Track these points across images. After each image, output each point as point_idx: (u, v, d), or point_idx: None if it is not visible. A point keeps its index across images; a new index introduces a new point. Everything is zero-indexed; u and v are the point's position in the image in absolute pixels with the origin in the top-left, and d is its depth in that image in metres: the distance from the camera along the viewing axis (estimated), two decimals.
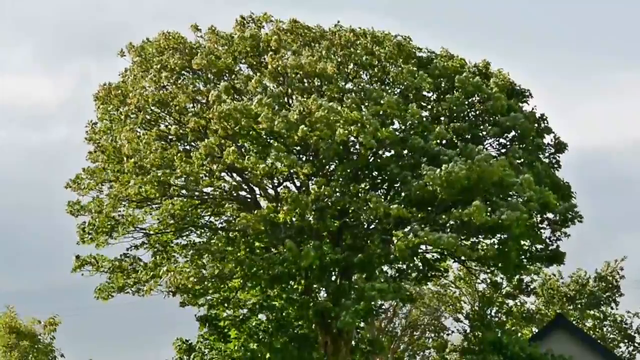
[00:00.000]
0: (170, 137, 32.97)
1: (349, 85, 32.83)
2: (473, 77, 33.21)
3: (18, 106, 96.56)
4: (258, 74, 32.38)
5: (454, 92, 33.24)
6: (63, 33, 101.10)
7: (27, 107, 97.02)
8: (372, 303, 31.32)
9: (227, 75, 33.48)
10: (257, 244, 33.45)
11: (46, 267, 72.87)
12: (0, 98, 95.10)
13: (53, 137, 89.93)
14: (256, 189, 33.31)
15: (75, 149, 34.49)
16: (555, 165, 36.03)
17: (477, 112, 34.05)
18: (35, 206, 74.21)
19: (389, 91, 32.41)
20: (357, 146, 31.80)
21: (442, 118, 33.14)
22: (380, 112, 30.97)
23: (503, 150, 34.22)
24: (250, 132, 31.65)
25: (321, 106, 29.67)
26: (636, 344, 49.11)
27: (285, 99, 32.23)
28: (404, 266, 33.70)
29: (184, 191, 32.48)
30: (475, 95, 33.48)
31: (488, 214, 29.58)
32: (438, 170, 29.43)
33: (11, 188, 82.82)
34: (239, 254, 32.48)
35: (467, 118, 33.61)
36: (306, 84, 32.22)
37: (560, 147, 36.02)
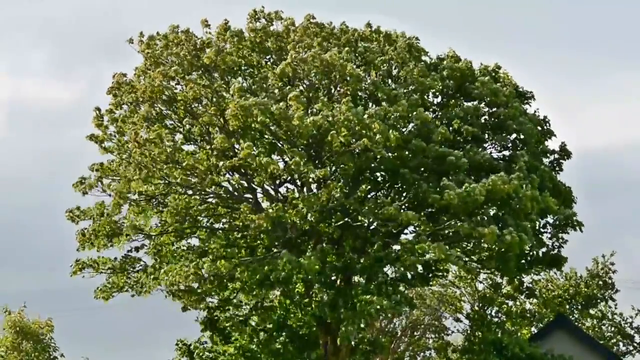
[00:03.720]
0: (177, 134, 32.82)
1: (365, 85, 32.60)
2: (491, 84, 33.19)
3: (32, 108, 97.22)
4: (282, 68, 31.53)
5: (465, 95, 33.24)
6: (78, 37, 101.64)
7: (41, 109, 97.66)
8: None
9: (240, 71, 33.22)
10: (258, 243, 33.44)
11: (48, 267, 72.99)
12: (14, 100, 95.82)
13: (66, 139, 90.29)
14: (258, 189, 33.21)
15: (87, 152, 34.51)
16: (557, 169, 36.08)
17: (483, 114, 33.99)
18: (42, 207, 74.45)
19: (399, 92, 32.24)
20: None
21: (446, 121, 33.05)
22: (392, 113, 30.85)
23: (506, 153, 34.22)
24: (258, 130, 31.31)
25: (355, 113, 29.28)
26: (635, 344, 49.09)
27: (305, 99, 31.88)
28: (406, 271, 33.62)
29: (189, 191, 32.41)
30: (484, 100, 33.48)
31: (497, 233, 29.70)
32: (458, 190, 29.43)
33: (21, 189, 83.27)
34: (239, 254, 32.41)
35: (472, 121, 33.52)
36: (325, 82, 31.81)
37: (564, 153, 36.13)
